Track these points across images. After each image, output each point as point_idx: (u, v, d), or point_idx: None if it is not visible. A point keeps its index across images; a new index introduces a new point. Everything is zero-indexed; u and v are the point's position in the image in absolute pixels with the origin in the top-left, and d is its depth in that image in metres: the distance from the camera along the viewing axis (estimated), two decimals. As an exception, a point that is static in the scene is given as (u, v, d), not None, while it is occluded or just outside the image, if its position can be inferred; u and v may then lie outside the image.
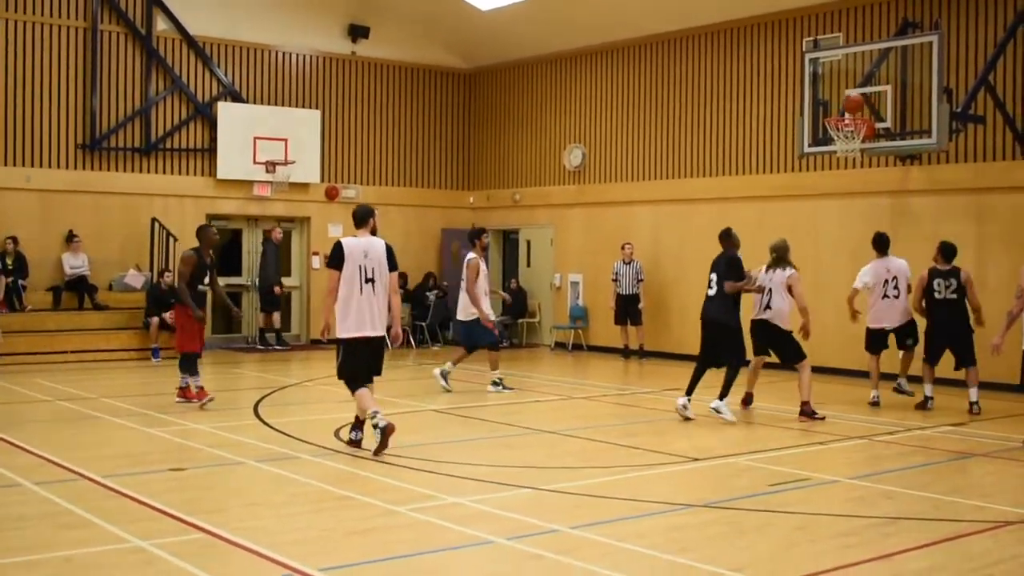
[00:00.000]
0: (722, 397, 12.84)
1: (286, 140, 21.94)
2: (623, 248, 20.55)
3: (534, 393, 15.57)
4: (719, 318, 12.97)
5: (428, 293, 23.03)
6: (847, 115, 15.32)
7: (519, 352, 22.42)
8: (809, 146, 15.87)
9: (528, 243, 23.84)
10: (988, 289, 16.11)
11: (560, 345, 22.78)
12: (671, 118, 20.82)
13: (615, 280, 20.53)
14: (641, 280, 20.46)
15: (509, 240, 24.54)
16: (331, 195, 23.00)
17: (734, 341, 13.02)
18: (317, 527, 7.82)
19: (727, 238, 13.47)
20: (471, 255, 15.44)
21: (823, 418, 12.97)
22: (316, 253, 22.76)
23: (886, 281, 14.25)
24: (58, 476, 9.36)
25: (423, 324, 22.89)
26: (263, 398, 14.54)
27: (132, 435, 11.66)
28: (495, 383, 15.28)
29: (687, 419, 12.85)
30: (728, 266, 13.05)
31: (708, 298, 13.18)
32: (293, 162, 21.87)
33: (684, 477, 9.88)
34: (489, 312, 15.27)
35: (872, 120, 15.29)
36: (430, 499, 8.70)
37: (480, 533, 7.65)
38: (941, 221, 16.58)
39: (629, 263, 20.47)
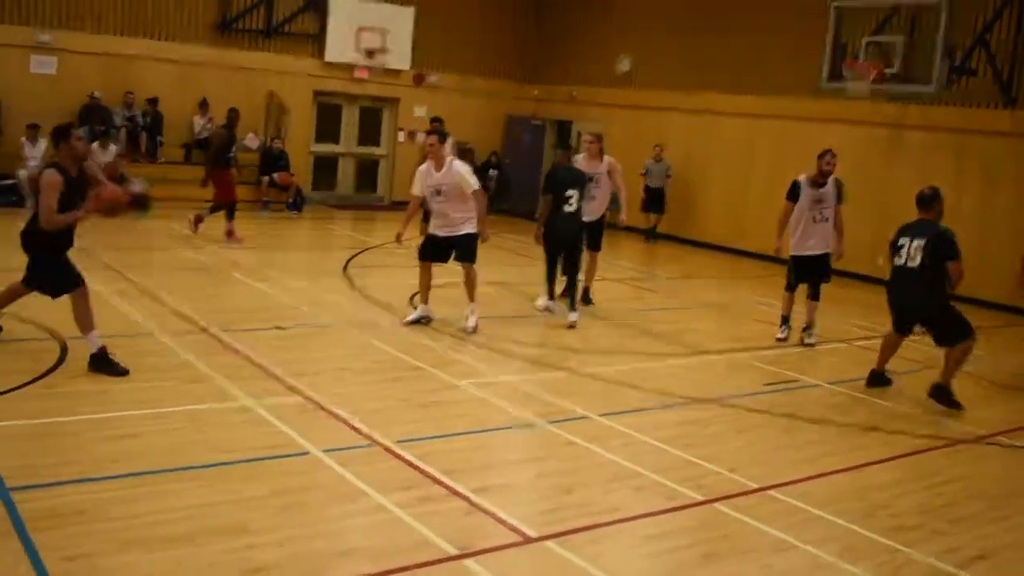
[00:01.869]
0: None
1: (384, 32, 21.53)
2: (654, 148, 20.14)
3: (574, 270, 15.43)
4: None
5: (490, 170, 22.82)
6: (860, 59, 14.82)
7: (563, 225, 22.26)
8: (826, 82, 15.38)
9: (579, 134, 23.42)
10: (961, 216, 15.76)
11: (611, 225, 22.53)
12: (708, 41, 20.14)
13: (644, 175, 20.15)
14: (669, 176, 20.12)
15: (563, 130, 24.12)
16: (418, 81, 22.63)
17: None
18: (393, 397, 7.89)
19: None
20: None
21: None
22: (402, 129, 22.59)
23: None
24: (185, 328, 9.42)
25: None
26: (352, 258, 14.56)
27: (245, 290, 11.68)
28: None
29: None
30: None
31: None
32: (389, 51, 21.52)
33: (696, 369, 9.80)
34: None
35: (882, 65, 14.76)
36: (486, 375, 8.74)
37: (526, 415, 7.70)
38: (928, 154, 16.16)
39: (659, 161, 20.11)
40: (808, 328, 11.44)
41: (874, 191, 16.24)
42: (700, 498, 6.30)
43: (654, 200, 20.17)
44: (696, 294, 14.27)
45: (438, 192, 10.27)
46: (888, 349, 9.64)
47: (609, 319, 11.86)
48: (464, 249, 10.40)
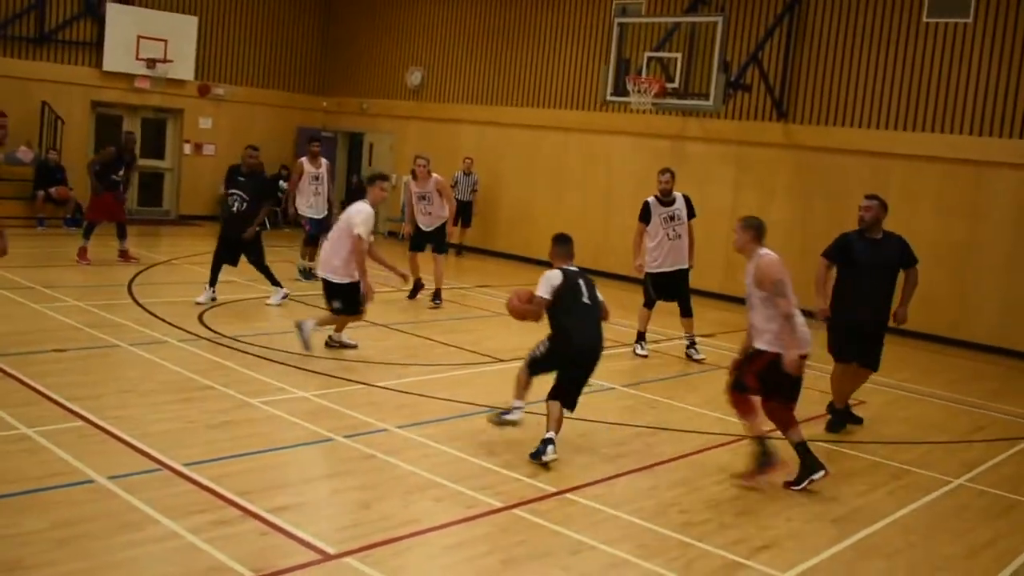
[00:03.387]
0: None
1: (166, 41, 20.79)
2: (464, 160, 20.04)
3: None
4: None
5: (281, 181, 22.41)
6: (643, 74, 15.35)
7: (358, 238, 22.10)
8: (611, 95, 15.83)
9: (371, 146, 23.36)
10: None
11: (392, 234, 22.52)
12: (495, 54, 20.48)
13: (454, 187, 20.01)
14: (476, 190, 20.10)
15: (355, 142, 23.98)
16: (203, 92, 21.99)
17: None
18: (182, 418, 7.60)
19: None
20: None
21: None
22: (188, 141, 21.89)
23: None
24: (-49, 352, 8.84)
25: (277, 209, 22.33)
26: (136, 275, 13.98)
27: (21, 311, 11.00)
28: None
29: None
30: None
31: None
32: (171, 61, 20.81)
33: (491, 378, 9.90)
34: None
35: (663, 80, 15.33)
36: (280, 392, 8.55)
37: (323, 431, 7.57)
38: (709, 165, 16.91)
39: (468, 174, 20.05)
40: (693, 344, 11.69)
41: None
42: (499, 505, 6.35)
43: (461, 213, 20.09)
44: (493, 304, 14.42)
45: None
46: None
47: (406, 330, 11.82)
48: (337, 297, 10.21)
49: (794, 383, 7.18)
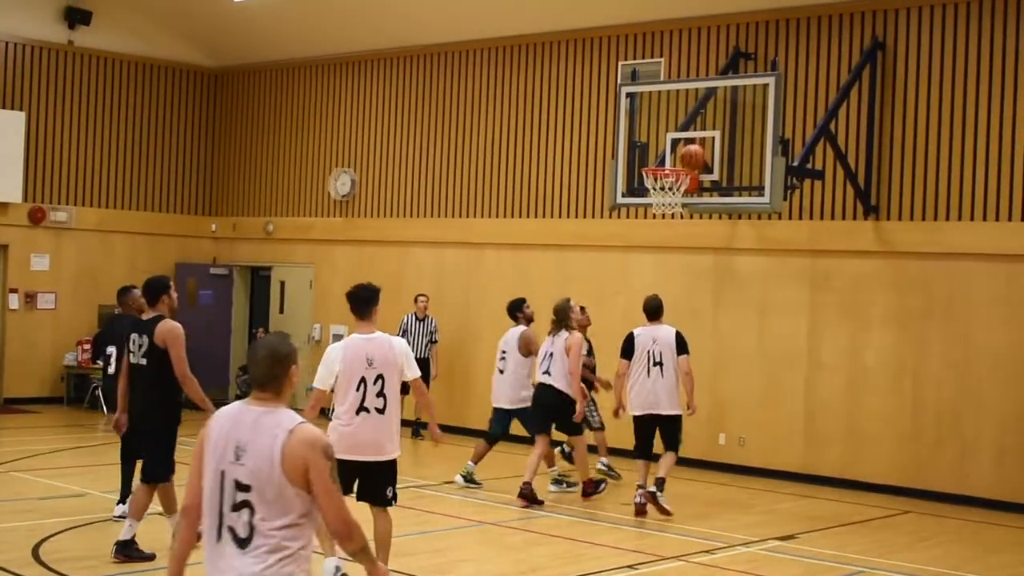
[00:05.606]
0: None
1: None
2: (417, 300, 19.95)
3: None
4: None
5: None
6: (667, 164, 15.48)
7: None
8: (622, 196, 15.95)
9: (282, 284, 23.47)
10: (823, 366, 16.60)
11: (321, 413, 22.35)
12: (461, 146, 20.76)
13: (403, 334, 19.71)
14: (435, 341, 20.03)
15: (259, 279, 24.11)
16: (36, 218, 22.16)
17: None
18: None
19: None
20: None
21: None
22: (14, 290, 21.94)
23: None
24: None
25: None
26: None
27: None
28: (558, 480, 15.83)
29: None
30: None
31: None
32: (-11, 177, 21.11)
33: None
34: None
35: (697, 172, 15.45)
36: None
37: None
38: (771, 286, 16.98)
39: (423, 319, 19.96)
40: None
41: (701, 338, 16.98)
42: None
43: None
44: (469, 508, 14.31)
45: None
46: None
47: (345, 559, 11.64)
48: None
49: None
